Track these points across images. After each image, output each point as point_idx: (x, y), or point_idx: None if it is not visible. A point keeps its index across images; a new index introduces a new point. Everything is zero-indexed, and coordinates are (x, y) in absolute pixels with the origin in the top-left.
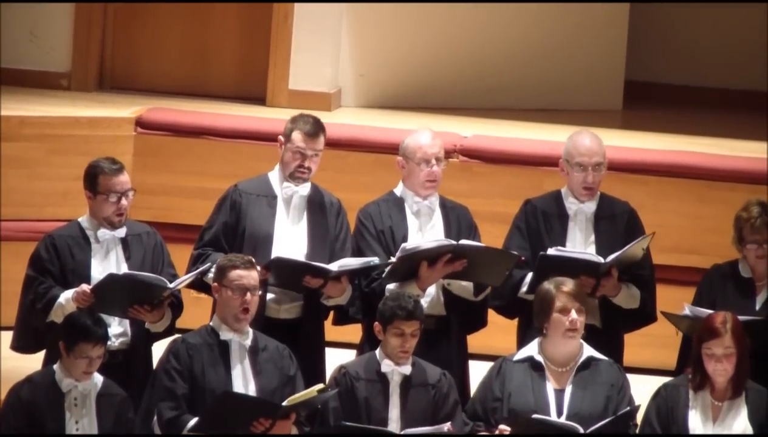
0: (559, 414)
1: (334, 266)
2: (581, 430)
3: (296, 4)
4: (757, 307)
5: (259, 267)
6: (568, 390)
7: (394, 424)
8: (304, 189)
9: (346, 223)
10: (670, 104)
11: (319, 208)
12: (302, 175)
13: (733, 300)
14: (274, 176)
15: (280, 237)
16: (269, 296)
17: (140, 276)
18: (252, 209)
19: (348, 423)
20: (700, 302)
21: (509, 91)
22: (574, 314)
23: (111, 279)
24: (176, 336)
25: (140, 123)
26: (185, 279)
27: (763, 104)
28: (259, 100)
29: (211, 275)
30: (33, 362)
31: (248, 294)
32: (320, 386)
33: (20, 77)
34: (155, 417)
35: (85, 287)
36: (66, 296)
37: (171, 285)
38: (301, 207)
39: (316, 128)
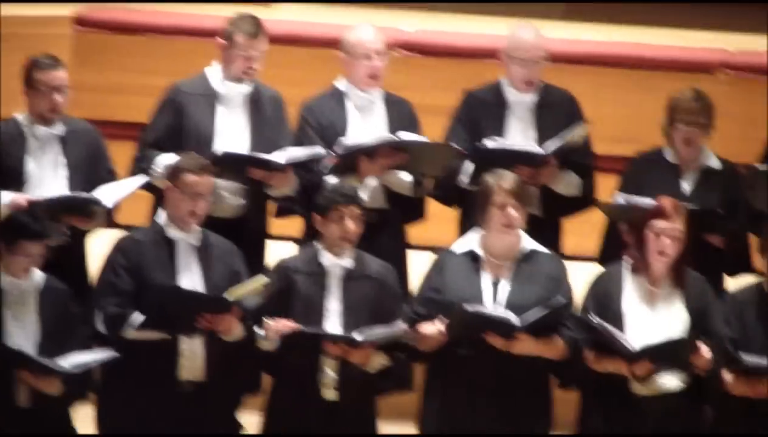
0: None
1: (281, 158)
2: (516, 320)
3: None
4: (685, 192)
5: None
6: (505, 281)
7: (333, 317)
8: (245, 87)
9: (285, 116)
10: None
11: (259, 104)
12: (251, 76)
13: (659, 185)
14: (213, 74)
15: (221, 135)
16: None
17: (70, 196)
18: (192, 108)
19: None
20: (626, 189)
21: None
22: (511, 210)
23: (47, 200)
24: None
25: (79, 21)
26: (121, 193)
27: None
28: None
29: (158, 172)
30: None
31: (200, 201)
32: (264, 279)
33: None
34: (97, 314)
35: (21, 200)
36: (4, 201)
37: (106, 203)
38: (241, 104)
39: (257, 28)
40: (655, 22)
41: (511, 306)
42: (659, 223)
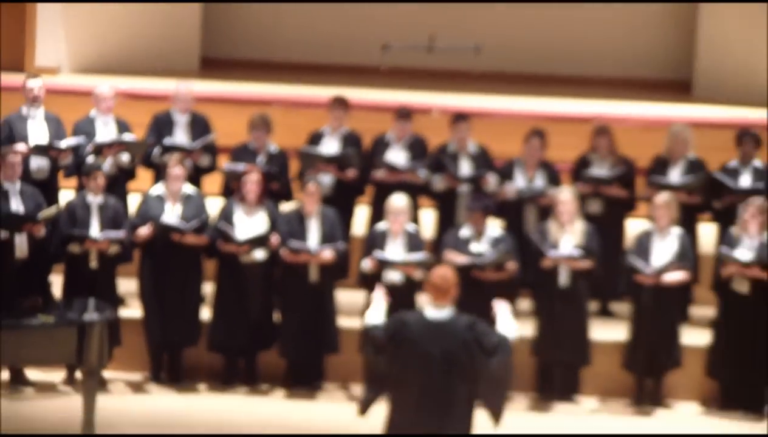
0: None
1: (63, 143)
2: (184, 226)
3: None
4: (261, 163)
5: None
6: (177, 207)
7: (95, 225)
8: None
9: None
10: (239, 70)
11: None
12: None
13: (247, 160)
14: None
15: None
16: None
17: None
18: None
19: (72, 231)
20: (233, 160)
21: (160, 58)
22: (178, 169)
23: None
24: None
25: None
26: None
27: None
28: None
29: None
30: None
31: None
32: (58, 207)
33: None
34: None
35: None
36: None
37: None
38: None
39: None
40: (254, 79)
41: (184, 219)
42: (247, 176)
